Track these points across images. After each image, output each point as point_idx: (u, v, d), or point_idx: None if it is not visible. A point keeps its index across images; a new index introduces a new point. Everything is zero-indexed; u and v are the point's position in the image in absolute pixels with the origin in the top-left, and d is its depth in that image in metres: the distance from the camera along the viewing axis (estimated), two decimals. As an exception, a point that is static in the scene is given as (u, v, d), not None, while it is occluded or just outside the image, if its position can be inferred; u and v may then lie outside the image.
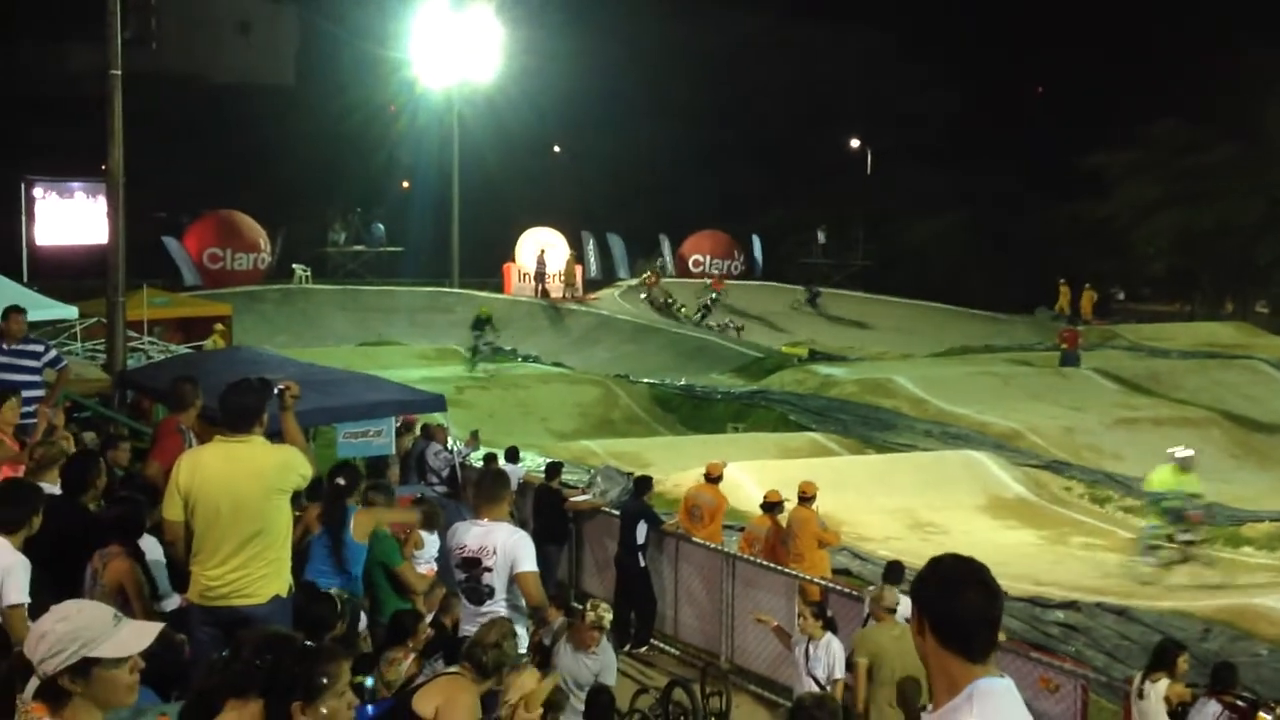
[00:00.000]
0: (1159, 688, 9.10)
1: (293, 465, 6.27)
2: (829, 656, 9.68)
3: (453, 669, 5.28)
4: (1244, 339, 40.95)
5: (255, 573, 6.08)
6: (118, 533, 6.75)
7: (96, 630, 3.32)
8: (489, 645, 5.20)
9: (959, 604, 3.10)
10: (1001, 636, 10.25)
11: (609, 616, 8.75)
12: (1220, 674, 9.20)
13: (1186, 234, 53.15)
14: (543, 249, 47.55)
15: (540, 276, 46.51)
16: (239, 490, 6.08)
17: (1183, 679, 9.33)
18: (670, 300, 44.90)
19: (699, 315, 43.12)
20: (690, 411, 29.42)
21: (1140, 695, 9.13)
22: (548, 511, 14.98)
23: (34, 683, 3.33)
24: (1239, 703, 8.89)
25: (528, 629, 7.48)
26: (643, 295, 45.96)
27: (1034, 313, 48.83)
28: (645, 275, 47.33)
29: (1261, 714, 8.96)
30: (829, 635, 9.86)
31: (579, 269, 47.77)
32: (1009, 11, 60.84)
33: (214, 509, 6.07)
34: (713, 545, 13.82)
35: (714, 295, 44.31)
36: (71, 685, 3.29)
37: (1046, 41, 59.74)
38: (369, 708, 5.83)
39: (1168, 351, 37.03)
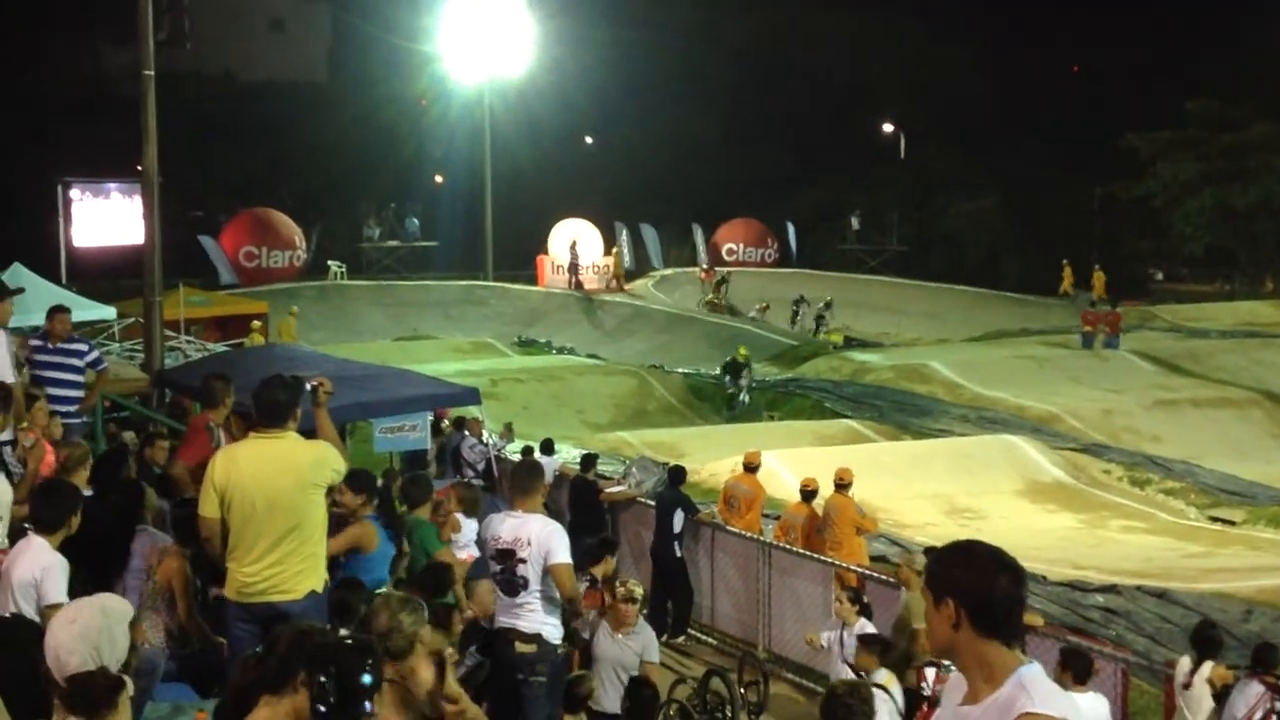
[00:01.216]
0: (1203, 672, 9.01)
1: (327, 460, 6.32)
2: None
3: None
4: (1284, 317, 40.46)
5: (291, 568, 6.13)
6: (179, 532, 6.86)
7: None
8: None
9: (996, 588, 3.11)
10: (1040, 621, 10.17)
11: (639, 590, 8.76)
12: (1261, 655, 9.09)
13: (1224, 212, 52.59)
14: (574, 240, 47.56)
15: (574, 268, 46.55)
16: (274, 486, 6.12)
17: (1222, 660, 9.26)
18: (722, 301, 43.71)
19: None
20: (725, 401, 29.39)
21: (1186, 686, 9.03)
22: (583, 503, 15.03)
23: None
24: (1280, 682, 8.80)
25: (562, 620, 7.52)
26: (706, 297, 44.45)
27: (1069, 295, 48.41)
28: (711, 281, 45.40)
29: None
30: (863, 621, 9.84)
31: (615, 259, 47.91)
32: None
33: (249, 505, 6.12)
34: (748, 534, 13.81)
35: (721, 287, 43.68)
36: None
37: (1080, 21, 59.23)
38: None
39: (1207, 331, 36.67)
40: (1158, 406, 26.59)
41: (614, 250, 48.29)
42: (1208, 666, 9.01)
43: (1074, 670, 8.06)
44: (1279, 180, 51.27)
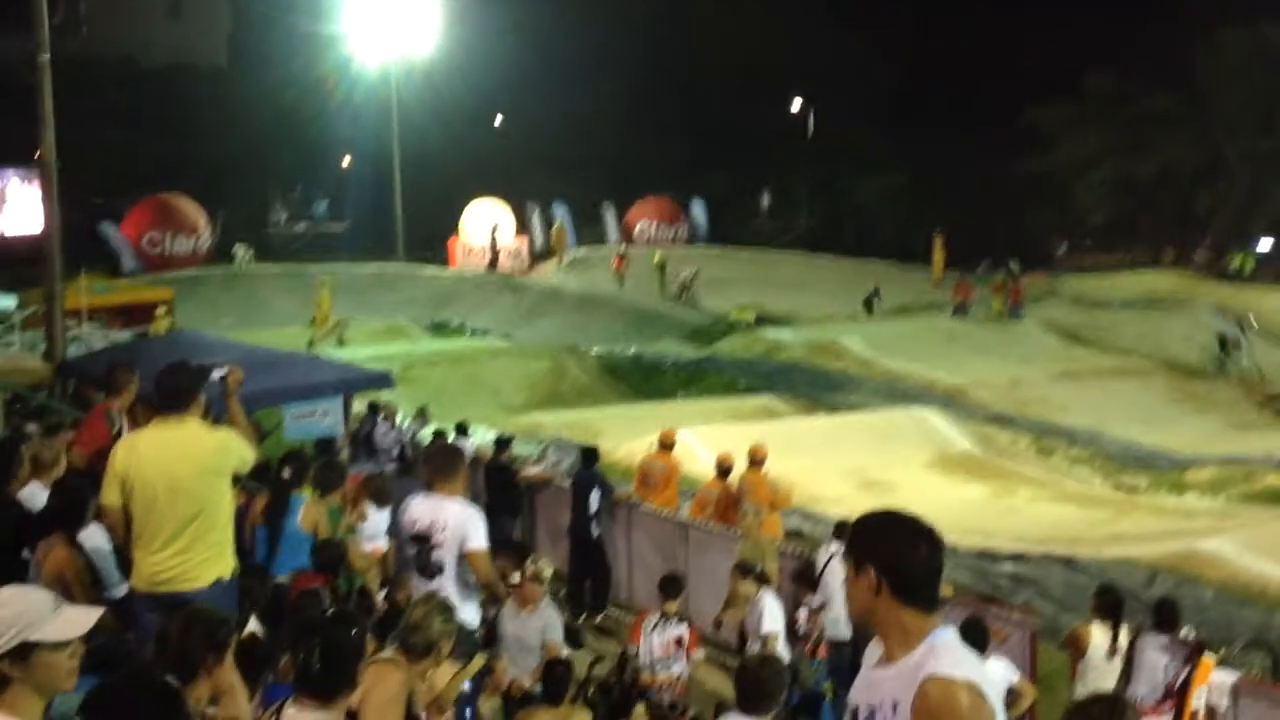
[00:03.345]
0: (1122, 638, 9.01)
1: (230, 447, 6.24)
2: (760, 612, 9.75)
3: (386, 653, 5.28)
4: (1183, 287, 41.50)
5: (196, 556, 6.05)
6: (57, 522, 6.70)
7: (36, 614, 3.32)
8: (412, 625, 5.19)
9: (914, 558, 3.20)
10: (950, 590, 10.29)
11: (548, 570, 8.79)
12: (1162, 611, 9.20)
13: (1125, 184, 53.82)
14: (495, 225, 47.60)
15: (494, 251, 46.54)
16: (175, 472, 6.04)
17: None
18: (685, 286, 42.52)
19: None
20: (640, 380, 29.46)
21: (1112, 654, 8.96)
22: (499, 486, 14.98)
23: None
24: (1184, 641, 9.00)
25: (480, 605, 7.51)
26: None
27: (977, 269, 49.15)
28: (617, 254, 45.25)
29: (1206, 655, 9.09)
30: (762, 590, 9.94)
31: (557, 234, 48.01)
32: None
33: (151, 492, 6.04)
34: (664, 512, 13.88)
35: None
36: (11, 670, 3.28)
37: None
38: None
39: (1109, 302, 37.48)
40: (1063, 377, 27.18)
41: (555, 226, 48.63)
42: (1125, 630, 9.07)
43: (971, 640, 8.08)
44: (1177, 152, 52.53)
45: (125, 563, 6.69)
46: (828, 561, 10.99)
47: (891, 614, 3.19)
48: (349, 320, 33.62)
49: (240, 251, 45.44)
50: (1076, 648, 9.16)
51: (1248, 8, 50.11)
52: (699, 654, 9.74)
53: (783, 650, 9.53)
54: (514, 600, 8.63)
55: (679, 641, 9.49)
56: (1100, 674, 8.88)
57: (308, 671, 3.76)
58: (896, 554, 3.20)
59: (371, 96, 48.98)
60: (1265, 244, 52.53)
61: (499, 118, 61.83)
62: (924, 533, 3.22)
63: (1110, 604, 9.23)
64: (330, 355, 27.08)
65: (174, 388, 6.21)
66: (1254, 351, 29.59)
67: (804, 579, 11.33)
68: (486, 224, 48.51)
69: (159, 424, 6.27)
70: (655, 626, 9.52)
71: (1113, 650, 8.92)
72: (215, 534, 6.15)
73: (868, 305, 38.45)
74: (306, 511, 8.46)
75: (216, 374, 6.82)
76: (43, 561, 6.52)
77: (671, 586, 9.84)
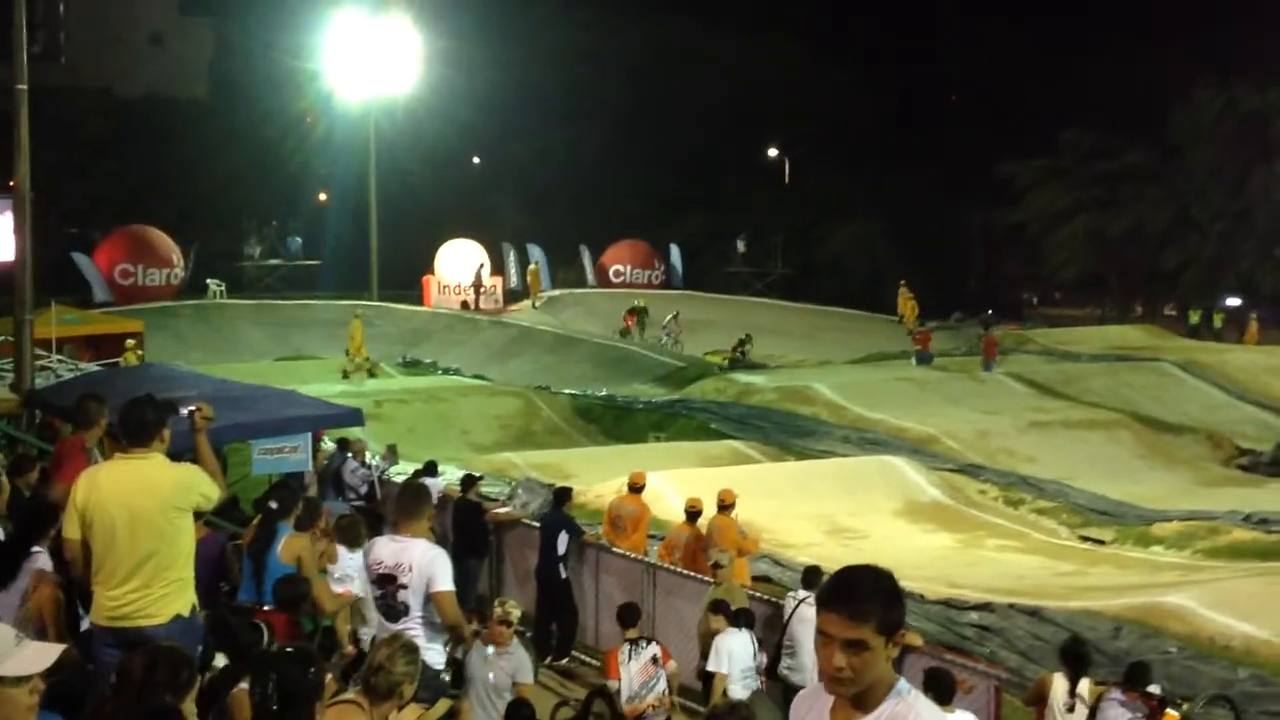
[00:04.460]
0: (1082, 689, 9.13)
1: (192, 484, 6.19)
2: (714, 650, 9.92)
3: (348, 694, 5.24)
4: (1152, 341, 41.84)
5: (155, 592, 6.01)
6: (57, 560, 6.70)
7: None
8: (375, 666, 5.17)
9: (903, 611, 3.21)
10: (919, 640, 10.35)
11: (516, 612, 8.78)
12: (1134, 673, 9.31)
13: (1096, 240, 54.37)
14: (482, 264, 48.02)
15: (478, 290, 46.65)
16: (135, 507, 6.00)
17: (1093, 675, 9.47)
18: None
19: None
20: (612, 422, 29.45)
21: (1070, 708, 9.06)
22: (467, 525, 14.92)
23: None
24: (1148, 698, 9.05)
25: (445, 646, 7.47)
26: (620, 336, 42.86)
27: (950, 318, 49.51)
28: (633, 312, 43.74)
29: (1169, 711, 9.14)
30: (726, 631, 10.00)
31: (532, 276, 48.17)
32: (923, 21, 61.90)
33: (110, 526, 5.99)
34: (633, 555, 13.85)
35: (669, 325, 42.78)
36: None
37: (960, 51, 60.81)
38: None
39: (1078, 355, 37.74)
40: (1031, 428, 27.29)
41: (531, 267, 48.72)
42: (1085, 684, 9.16)
43: (938, 692, 8.17)
44: (1148, 209, 53.15)
45: (85, 597, 6.66)
46: (795, 608, 10.99)
47: (884, 668, 3.17)
48: (379, 362, 33.98)
49: (213, 285, 45.27)
50: (1040, 697, 9.23)
51: (1222, 69, 50.95)
52: (673, 665, 9.97)
53: (736, 690, 9.63)
54: (483, 642, 8.60)
55: (654, 660, 9.80)
56: None
57: (264, 708, 3.73)
58: (902, 608, 3.20)
59: (351, 133, 49.04)
60: (1233, 301, 53.17)
61: (475, 159, 62.09)
62: (898, 589, 3.23)
63: (1072, 656, 9.33)
64: (360, 385, 30.24)
65: (138, 421, 6.17)
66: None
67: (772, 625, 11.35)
68: (462, 263, 48.55)
69: (121, 458, 6.24)
70: (630, 656, 9.78)
71: (1071, 702, 8.99)
72: (175, 570, 6.09)
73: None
74: (288, 544, 8.42)
75: (184, 410, 6.79)
76: (30, 591, 6.53)
77: (629, 614, 10.28)
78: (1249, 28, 50.38)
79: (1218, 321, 51.47)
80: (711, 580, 12.72)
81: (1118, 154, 54.27)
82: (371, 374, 32.74)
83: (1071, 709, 9.03)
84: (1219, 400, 32.51)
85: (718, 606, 10.34)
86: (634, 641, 9.94)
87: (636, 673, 9.76)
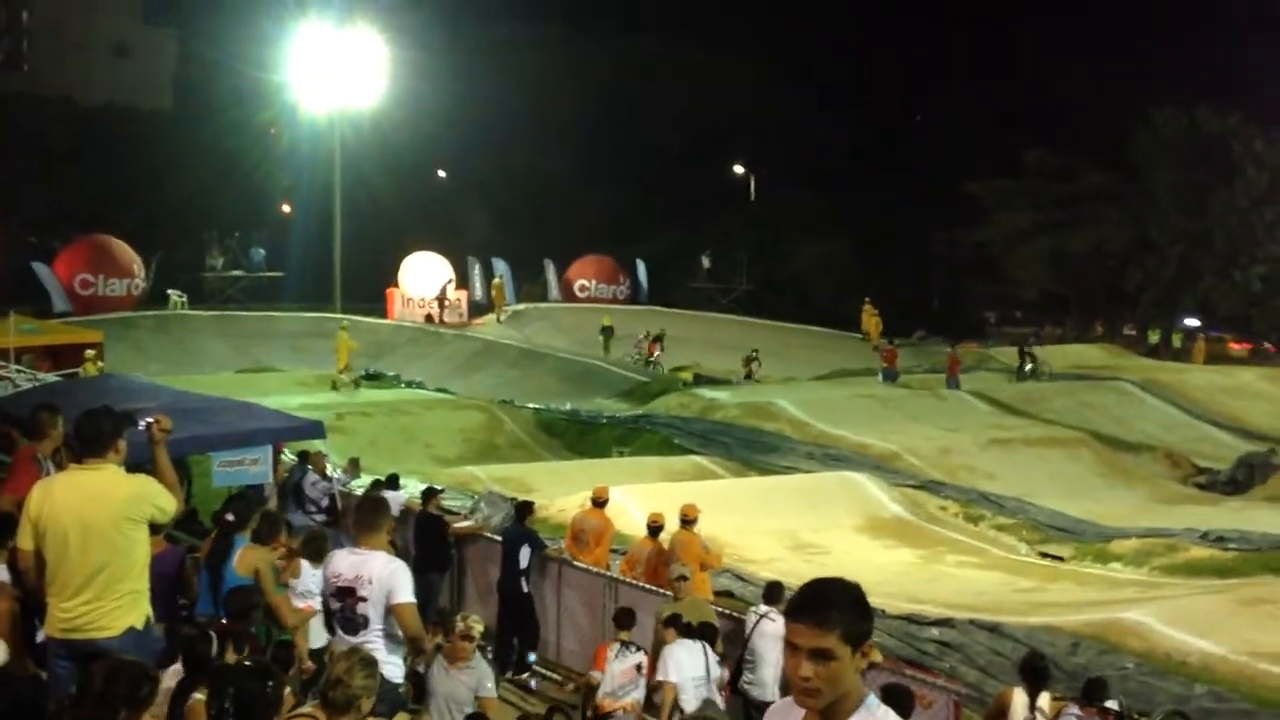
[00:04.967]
0: (1041, 704, 9.19)
1: (145, 495, 6.13)
2: (663, 660, 9.95)
3: (305, 708, 5.21)
4: (1111, 360, 42.23)
5: (108, 604, 5.96)
6: (13, 572, 6.62)
7: None
8: (333, 680, 5.13)
9: (871, 623, 3.24)
10: (879, 656, 10.37)
11: (479, 627, 8.74)
12: (1091, 689, 9.39)
13: (1058, 259, 54.84)
14: (451, 279, 48.08)
15: (442, 304, 46.54)
16: (87, 518, 5.95)
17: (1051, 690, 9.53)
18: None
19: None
20: (575, 436, 29.42)
21: None
22: (429, 538, 14.85)
23: None
24: (1105, 713, 9.11)
25: (405, 659, 7.42)
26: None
27: (913, 336, 49.78)
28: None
29: (1125, 726, 9.21)
30: (676, 642, 10.06)
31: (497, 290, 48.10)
32: (890, 42, 62.40)
33: (63, 537, 5.94)
34: (595, 569, 13.83)
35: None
36: None
37: (926, 72, 61.36)
38: None
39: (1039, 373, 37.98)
40: (992, 445, 27.48)
41: (495, 281, 48.81)
42: (1045, 698, 9.21)
43: (895, 706, 8.17)
44: (1110, 229, 53.67)
45: (41, 608, 6.59)
46: (756, 623, 11.00)
47: (853, 680, 3.17)
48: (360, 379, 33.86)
49: (174, 296, 44.98)
50: (1000, 712, 9.26)
51: (1185, 92, 51.58)
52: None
53: (687, 700, 9.73)
54: (444, 657, 8.57)
55: (639, 668, 10.06)
56: None
57: None
58: (870, 619, 3.23)
59: (316, 145, 48.88)
60: (1192, 322, 53.74)
61: (441, 172, 61.98)
62: (868, 604, 3.26)
63: (1031, 670, 9.38)
64: (351, 398, 30.78)
65: (94, 432, 6.12)
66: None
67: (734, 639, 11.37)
68: (426, 276, 48.45)
69: (75, 468, 6.18)
70: (618, 655, 10.07)
71: (1031, 717, 9.04)
72: (128, 583, 6.04)
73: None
74: (244, 556, 8.35)
75: (143, 422, 6.73)
76: None
77: (626, 618, 10.62)
78: (1211, 52, 51.12)
79: (1176, 341, 52.04)
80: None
81: (1080, 175, 54.80)
82: (357, 385, 32.82)
83: None
84: (1177, 419, 32.87)
85: (670, 620, 10.37)
86: (625, 643, 10.24)
87: (620, 672, 10.06)
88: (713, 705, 9.81)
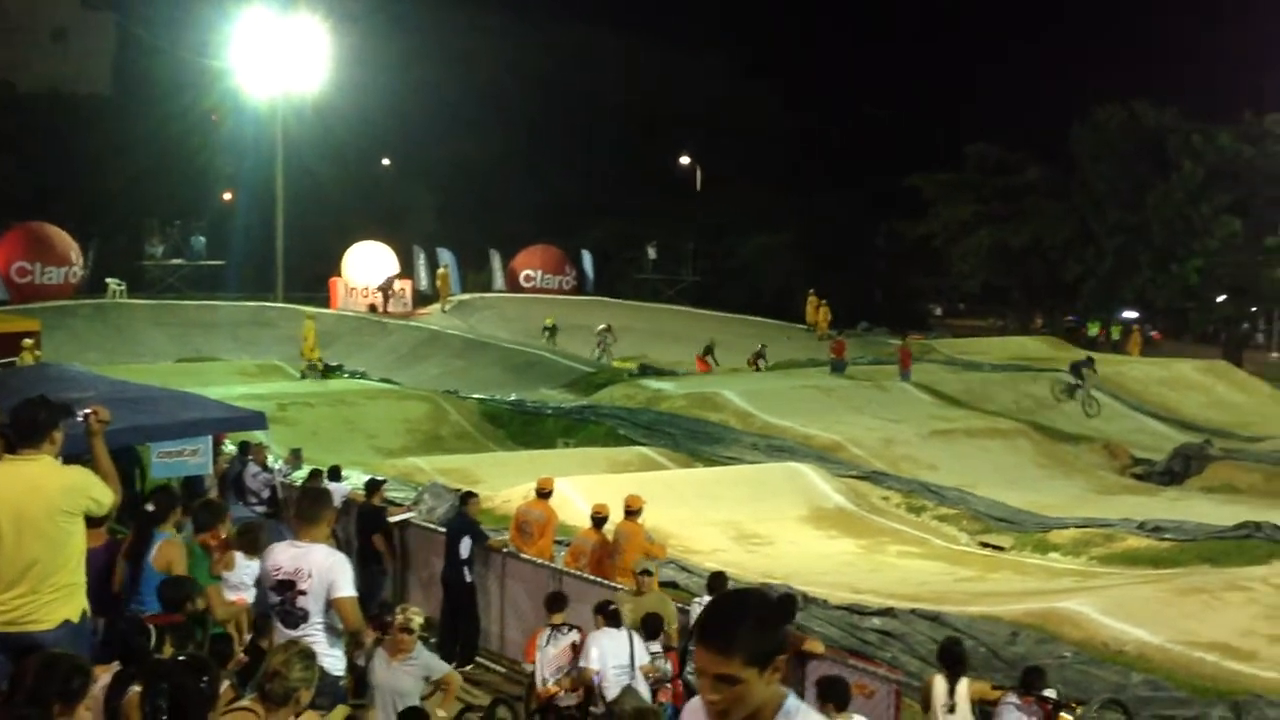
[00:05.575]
0: (961, 690, 9.31)
1: (81, 487, 6.06)
2: (588, 648, 10.09)
3: (244, 701, 5.17)
4: (1051, 352, 42.70)
5: (43, 597, 5.88)
6: None
7: None
8: (271, 673, 5.10)
9: (784, 639, 3.18)
10: (821, 648, 10.43)
11: (418, 619, 8.71)
12: (1029, 678, 9.52)
13: (999, 252, 55.42)
14: (398, 272, 47.93)
15: (387, 295, 46.21)
16: (21, 509, 5.87)
17: (978, 676, 9.66)
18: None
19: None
20: (520, 427, 29.33)
21: (951, 709, 9.29)
22: (371, 530, 14.77)
23: None
24: (1043, 702, 9.23)
25: (346, 652, 7.38)
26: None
27: (857, 327, 50.09)
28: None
29: (1064, 714, 9.33)
30: (597, 631, 10.20)
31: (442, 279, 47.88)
32: (837, 37, 62.76)
33: None
34: (540, 560, 13.81)
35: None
36: None
37: (872, 65, 61.81)
38: None
39: (980, 365, 38.40)
40: (934, 436, 27.71)
41: (440, 271, 48.51)
42: (964, 684, 9.34)
43: (833, 699, 8.30)
44: (1050, 222, 54.29)
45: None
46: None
47: (769, 690, 3.11)
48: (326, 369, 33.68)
49: (112, 285, 44.37)
50: (925, 699, 9.40)
51: (1124, 86, 52.27)
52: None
53: (609, 688, 9.90)
54: (385, 649, 8.53)
55: (574, 646, 10.21)
56: None
57: (155, 717, 3.66)
58: (783, 634, 3.17)
59: (258, 132, 48.32)
60: (1130, 314, 54.51)
61: (385, 161, 61.55)
62: (783, 611, 3.24)
63: (949, 657, 9.52)
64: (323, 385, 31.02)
65: (29, 422, 6.05)
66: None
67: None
68: (370, 265, 48.12)
69: (10, 459, 6.09)
70: (549, 639, 10.25)
71: (951, 703, 9.17)
72: (63, 575, 5.97)
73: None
74: (160, 550, 8.23)
75: (80, 413, 6.63)
76: None
77: (556, 602, 10.73)
78: (1150, 48, 51.87)
79: (1115, 334, 52.75)
80: (618, 586, 12.74)
81: (1021, 168, 55.40)
82: (325, 375, 32.84)
83: (952, 709, 9.22)
84: (1115, 411, 33.31)
85: (599, 608, 10.47)
86: (556, 627, 10.37)
87: (554, 655, 10.23)
88: (633, 692, 9.88)
